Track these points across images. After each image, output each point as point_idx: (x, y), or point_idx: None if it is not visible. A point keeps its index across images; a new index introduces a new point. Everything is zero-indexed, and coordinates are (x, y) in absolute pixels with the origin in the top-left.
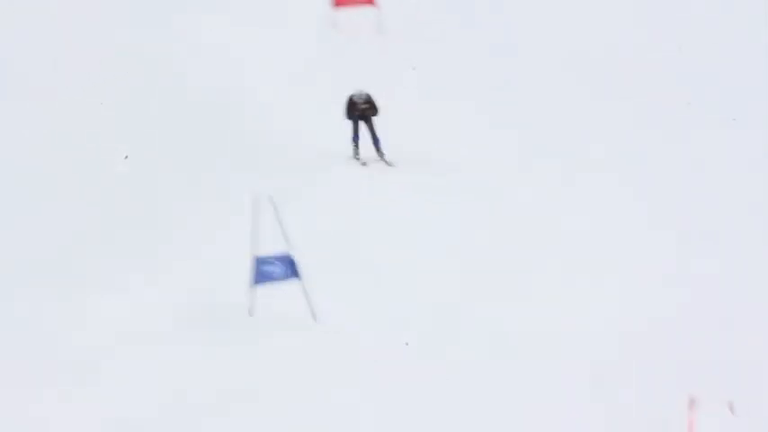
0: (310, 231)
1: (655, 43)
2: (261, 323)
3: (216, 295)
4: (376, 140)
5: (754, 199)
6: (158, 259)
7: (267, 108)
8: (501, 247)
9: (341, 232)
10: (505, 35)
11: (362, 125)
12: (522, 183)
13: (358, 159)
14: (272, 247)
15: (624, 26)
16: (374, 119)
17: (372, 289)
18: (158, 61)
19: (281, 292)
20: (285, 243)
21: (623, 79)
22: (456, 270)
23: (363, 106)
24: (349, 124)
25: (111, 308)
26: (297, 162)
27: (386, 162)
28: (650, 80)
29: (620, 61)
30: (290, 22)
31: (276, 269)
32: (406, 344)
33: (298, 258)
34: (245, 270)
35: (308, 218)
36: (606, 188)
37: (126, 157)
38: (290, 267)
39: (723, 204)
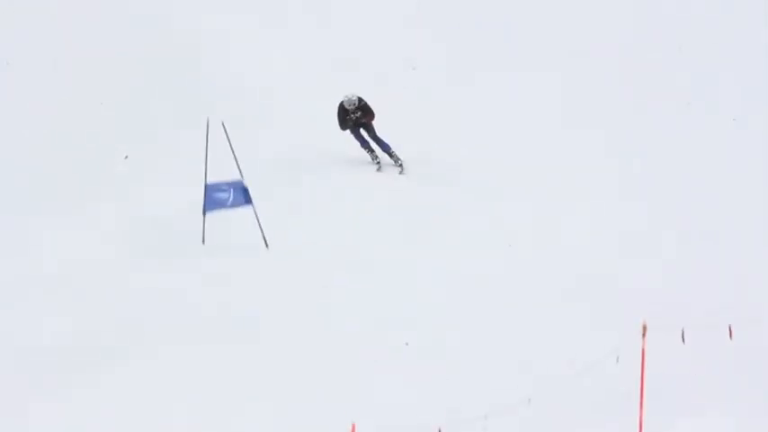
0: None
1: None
2: (213, 250)
3: (169, 223)
4: (383, 145)
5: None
6: (111, 188)
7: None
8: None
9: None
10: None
11: (364, 131)
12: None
13: (378, 164)
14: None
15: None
16: (373, 123)
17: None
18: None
19: (233, 220)
20: (237, 170)
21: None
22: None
23: (356, 114)
24: (349, 134)
25: (65, 236)
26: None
27: (399, 167)
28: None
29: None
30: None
31: (228, 196)
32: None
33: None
34: (198, 198)
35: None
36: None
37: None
38: (241, 194)
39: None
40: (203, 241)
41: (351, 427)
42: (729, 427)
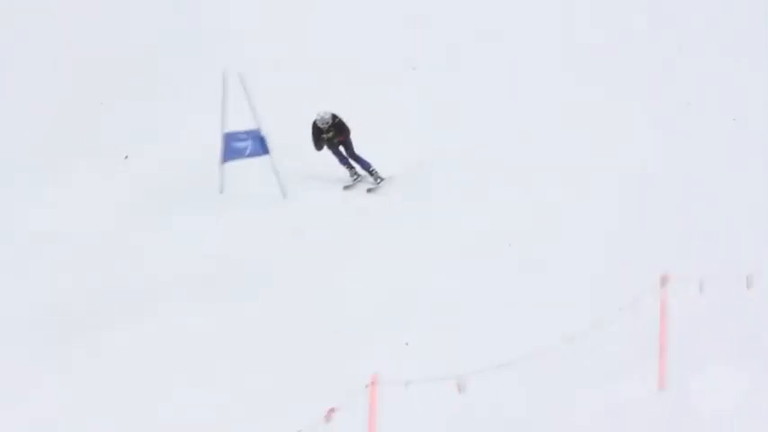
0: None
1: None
2: (231, 200)
3: (186, 174)
4: (363, 163)
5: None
6: (128, 139)
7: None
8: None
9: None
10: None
11: (342, 148)
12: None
13: (354, 180)
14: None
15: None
16: (350, 140)
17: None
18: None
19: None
20: (254, 119)
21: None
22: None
23: (329, 134)
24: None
25: (84, 188)
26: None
27: (376, 183)
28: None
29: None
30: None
31: (246, 145)
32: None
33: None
34: (215, 148)
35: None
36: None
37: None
38: (259, 143)
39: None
40: (221, 191)
41: (371, 378)
42: (746, 376)
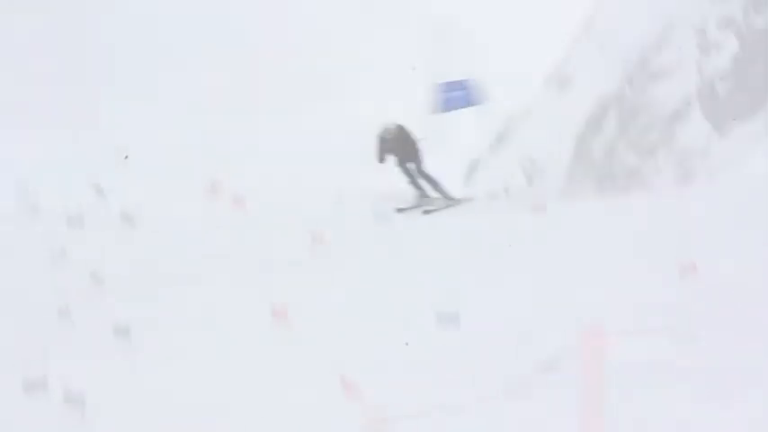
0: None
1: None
2: (441, 152)
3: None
4: (431, 182)
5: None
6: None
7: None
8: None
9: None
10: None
11: (412, 165)
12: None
13: (419, 200)
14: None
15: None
16: (418, 155)
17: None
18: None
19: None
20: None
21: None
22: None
23: (390, 144)
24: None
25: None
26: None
27: (445, 204)
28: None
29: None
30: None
31: (462, 94)
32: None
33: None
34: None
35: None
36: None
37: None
38: (473, 92)
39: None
40: (426, 138)
41: (591, 330)
42: None
